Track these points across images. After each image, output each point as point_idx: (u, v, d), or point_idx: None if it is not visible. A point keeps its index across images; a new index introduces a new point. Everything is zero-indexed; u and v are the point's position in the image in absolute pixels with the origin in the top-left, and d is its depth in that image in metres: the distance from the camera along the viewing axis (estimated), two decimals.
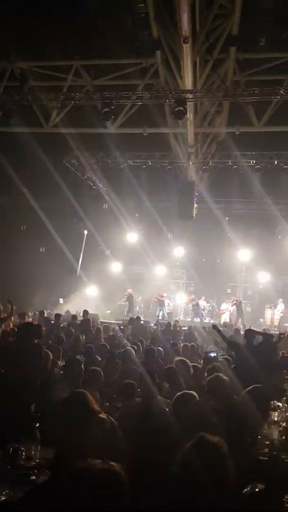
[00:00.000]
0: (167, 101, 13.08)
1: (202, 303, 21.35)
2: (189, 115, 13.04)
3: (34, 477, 3.56)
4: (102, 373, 6.11)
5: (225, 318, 19.44)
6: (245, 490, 2.98)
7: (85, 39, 12.90)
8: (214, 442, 2.26)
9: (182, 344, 10.96)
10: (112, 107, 12.78)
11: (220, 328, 15.56)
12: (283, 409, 5.86)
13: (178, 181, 18.37)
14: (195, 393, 4.48)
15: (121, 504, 1.97)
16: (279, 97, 12.53)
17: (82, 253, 21.13)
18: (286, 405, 6.17)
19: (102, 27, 12.02)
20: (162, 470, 3.36)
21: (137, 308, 21.59)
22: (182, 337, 13.69)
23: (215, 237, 21.35)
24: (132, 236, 22.45)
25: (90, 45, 13.14)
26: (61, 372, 6.48)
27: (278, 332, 10.67)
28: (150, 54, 13.15)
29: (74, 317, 14.81)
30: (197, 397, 4.39)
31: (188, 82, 12.12)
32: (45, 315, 15.38)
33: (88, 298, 21.29)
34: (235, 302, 19.79)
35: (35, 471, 3.63)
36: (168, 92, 13.02)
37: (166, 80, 13.47)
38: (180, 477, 2.10)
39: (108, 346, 9.45)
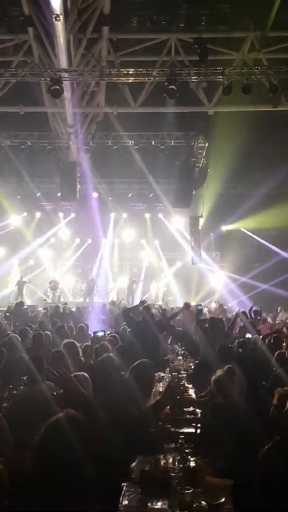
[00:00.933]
0: (43, 79, 12.73)
1: None
2: (66, 94, 12.85)
3: None
4: None
5: (112, 296, 19.82)
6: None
7: None
8: (74, 415, 2.28)
9: (69, 326, 10.97)
10: None
11: (109, 306, 16.01)
12: (167, 379, 6.23)
13: (60, 161, 18.09)
14: (83, 374, 4.53)
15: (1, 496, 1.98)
16: (152, 78, 12.85)
17: None
18: (169, 375, 6.56)
19: None
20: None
21: (24, 292, 21.06)
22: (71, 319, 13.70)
23: (99, 216, 21.50)
24: (16, 219, 21.72)
25: None
26: None
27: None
28: (22, 31, 12.67)
29: None
30: (86, 378, 4.45)
31: (62, 60, 11.93)
32: None
33: None
34: (133, 280, 20.44)
35: None
36: (43, 70, 12.66)
37: (40, 57, 13.13)
38: (40, 452, 2.13)
39: None
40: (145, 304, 9.20)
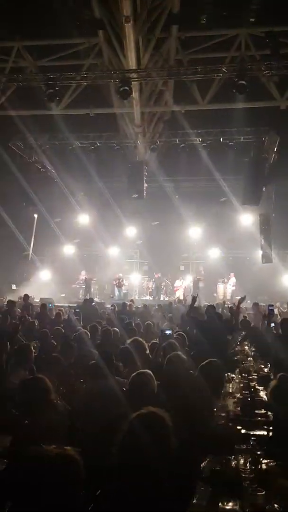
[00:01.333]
0: (112, 81, 12.97)
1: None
2: (134, 94, 13.04)
3: None
4: (59, 358, 6.15)
5: (179, 294, 19.81)
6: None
7: (26, 20, 12.56)
8: (156, 412, 2.31)
9: (136, 323, 11.09)
10: (57, 88, 12.57)
11: (175, 305, 16.01)
12: (237, 380, 6.12)
13: (127, 161, 18.36)
14: (149, 371, 4.56)
15: (78, 487, 2.02)
16: (221, 74, 12.69)
17: (33, 237, 20.78)
18: (239, 376, 6.43)
19: (43, 7, 11.72)
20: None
21: (92, 289, 21.60)
22: (138, 317, 13.86)
23: (166, 215, 21.55)
24: (84, 218, 22.29)
25: (32, 26, 12.81)
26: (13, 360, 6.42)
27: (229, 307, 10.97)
28: (93, 34, 12.99)
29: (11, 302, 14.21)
30: (151, 375, 4.46)
31: (131, 61, 12.09)
32: None
33: (41, 283, 21.08)
34: (198, 278, 20.32)
35: None
36: (112, 71, 12.90)
37: (110, 59, 13.37)
38: (124, 448, 2.17)
39: (63, 330, 9.45)
40: (195, 300, 9.11)
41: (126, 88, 12.08)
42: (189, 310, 9.50)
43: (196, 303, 9.85)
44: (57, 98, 13.05)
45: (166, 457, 2.08)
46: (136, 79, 12.51)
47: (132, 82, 12.26)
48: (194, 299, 9.18)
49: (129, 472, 2.05)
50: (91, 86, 13.73)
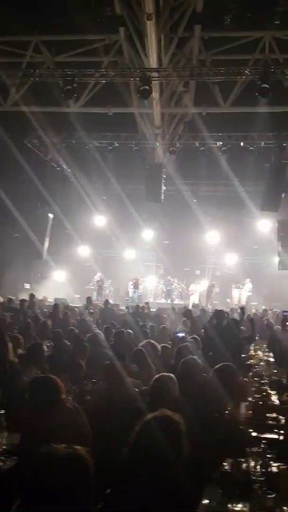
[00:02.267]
0: (132, 79, 12.85)
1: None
2: (155, 94, 12.90)
3: (0, 464, 3.50)
4: (72, 358, 6.09)
5: (194, 299, 19.62)
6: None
7: (45, 14, 12.45)
8: (171, 417, 2.28)
9: (150, 326, 10.95)
10: (75, 85, 12.43)
11: (191, 309, 15.81)
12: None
13: (145, 162, 18.22)
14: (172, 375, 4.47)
15: (87, 487, 1.97)
16: (244, 77, 12.50)
17: (48, 237, 20.77)
18: (251, 380, 6.31)
19: (63, 2, 11.63)
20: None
21: (107, 291, 21.51)
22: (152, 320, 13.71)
23: (183, 219, 21.38)
24: (100, 219, 22.22)
25: (51, 20, 12.67)
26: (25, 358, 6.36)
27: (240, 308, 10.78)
28: (113, 31, 12.82)
29: (24, 301, 14.18)
30: (174, 379, 4.36)
31: (153, 60, 11.95)
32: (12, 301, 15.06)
33: (56, 283, 21.05)
34: (213, 284, 20.15)
35: (2, 458, 3.57)
36: (132, 70, 12.77)
37: (131, 57, 13.21)
38: (136, 449, 2.11)
39: (77, 330, 9.36)
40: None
41: (146, 87, 11.92)
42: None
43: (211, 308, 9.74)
44: (75, 95, 12.90)
45: (177, 461, 2.02)
46: (157, 79, 12.37)
47: (153, 82, 12.11)
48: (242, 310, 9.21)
49: (138, 473, 2.01)
50: (110, 85, 13.58)
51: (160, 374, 4.34)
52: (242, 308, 10.31)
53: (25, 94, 14.29)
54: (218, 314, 8.99)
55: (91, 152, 18.05)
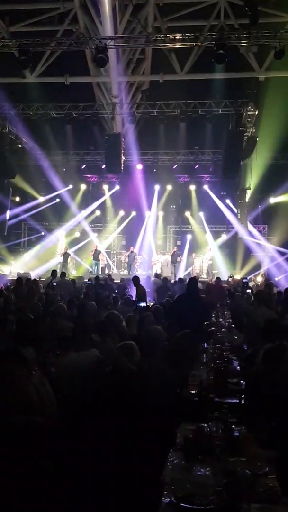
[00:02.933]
0: (88, 48, 12.58)
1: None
2: (111, 62, 12.68)
3: None
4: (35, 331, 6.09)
5: (156, 269, 19.81)
6: None
7: None
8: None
9: (114, 297, 11.05)
10: (30, 55, 12.11)
11: (153, 279, 16.02)
12: (211, 350, 6.15)
13: (104, 133, 17.98)
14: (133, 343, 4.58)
15: (42, 457, 2.02)
16: (200, 43, 12.43)
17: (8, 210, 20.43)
18: (213, 346, 6.48)
19: None
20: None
21: (70, 264, 21.42)
22: (115, 290, 13.81)
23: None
24: (61, 192, 21.98)
25: None
26: None
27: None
28: None
29: None
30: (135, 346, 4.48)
31: (108, 28, 11.74)
32: None
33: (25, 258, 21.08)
34: (174, 252, 20.30)
35: None
36: (88, 38, 12.50)
37: (86, 26, 12.97)
38: None
39: (40, 304, 9.35)
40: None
41: (103, 55, 11.71)
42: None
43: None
44: (31, 65, 12.57)
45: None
46: (113, 46, 12.16)
47: (109, 50, 11.90)
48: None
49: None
50: (66, 53, 13.28)
51: (123, 342, 4.42)
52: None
53: None
54: (192, 282, 8.92)
55: (49, 123, 17.61)
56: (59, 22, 13.48)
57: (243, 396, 4.37)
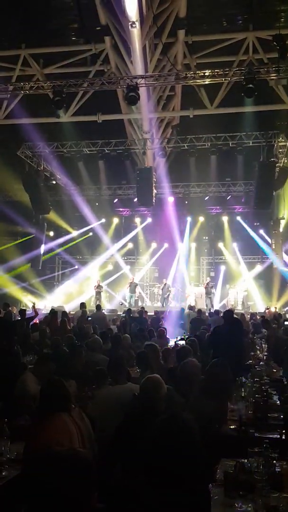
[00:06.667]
0: (119, 87, 12.97)
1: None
2: (142, 100, 12.99)
3: (5, 473, 3.50)
4: (71, 364, 6.10)
5: (190, 301, 19.65)
6: None
7: (32, 28, 12.65)
8: (187, 418, 2.29)
9: (149, 330, 10.99)
10: (64, 96, 12.58)
11: (187, 311, 15.88)
12: (249, 385, 5.99)
13: (136, 167, 18.30)
14: (158, 376, 4.50)
15: (89, 487, 1.97)
16: (229, 78, 12.63)
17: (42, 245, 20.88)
18: (252, 380, 6.31)
19: (49, 15, 11.79)
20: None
21: (103, 297, 21.51)
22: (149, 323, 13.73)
23: None
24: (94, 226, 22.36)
25: (38, 34, 12.90)
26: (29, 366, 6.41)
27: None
28: (99, 40, 13.02)
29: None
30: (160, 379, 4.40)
31: (138, 67, 12.09)
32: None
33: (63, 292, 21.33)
34: (208, 284, 20.13)
35: (6, 466, 3.58)
36: (119, 77, 12.91)
37: (117, 65, 13.40)
38: (151, 451, 2.14)
39: (75, 337, 9.38)
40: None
41: (134, 94, 12.04)
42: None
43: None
44: (64, 105, 13.04)
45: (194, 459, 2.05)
46: (144, 85, 12.49)
47: (140, 88, 12.24)
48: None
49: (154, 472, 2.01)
50: (98, 92, 13.73)
51: (147, 376, 4.32)
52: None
53: (16, 107, 14.45)
54: (228, 315, 8.74)
55: (83, 159, 18.13)
56: (91, 63, 13.99)
57: (283, 431, 4.27)
